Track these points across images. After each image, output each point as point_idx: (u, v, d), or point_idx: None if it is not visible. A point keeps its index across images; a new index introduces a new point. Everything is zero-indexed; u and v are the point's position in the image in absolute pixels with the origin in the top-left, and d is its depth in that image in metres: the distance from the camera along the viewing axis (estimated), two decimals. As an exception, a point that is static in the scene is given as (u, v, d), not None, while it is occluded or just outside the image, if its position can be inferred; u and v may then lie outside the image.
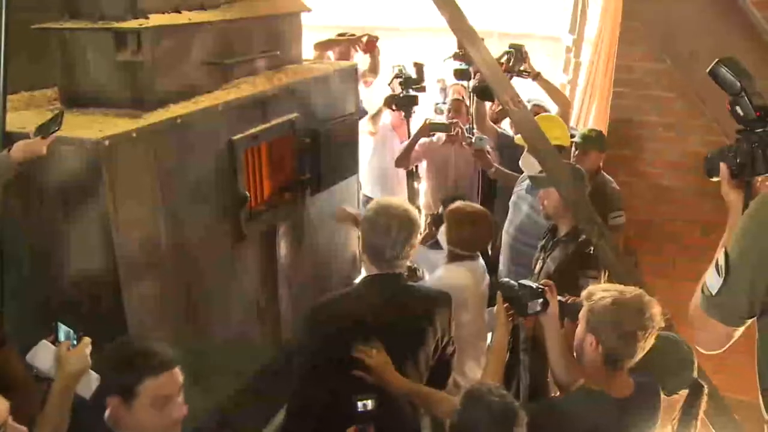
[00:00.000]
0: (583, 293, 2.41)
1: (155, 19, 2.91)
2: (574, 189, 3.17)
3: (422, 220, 5.62)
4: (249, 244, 3.47)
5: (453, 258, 3.52)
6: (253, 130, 3.34)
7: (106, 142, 2.53)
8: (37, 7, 3.10)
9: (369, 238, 2.68)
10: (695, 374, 2.59)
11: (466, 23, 3.26)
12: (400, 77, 5.39)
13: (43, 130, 2.50)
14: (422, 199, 5.73)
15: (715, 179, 2.08)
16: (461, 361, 3.48)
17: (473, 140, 4.78)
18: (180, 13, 3.09)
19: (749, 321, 1.91)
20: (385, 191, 5.78)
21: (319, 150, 3.84)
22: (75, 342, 2.28)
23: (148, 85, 2.94)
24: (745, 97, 1.86)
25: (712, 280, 1.89)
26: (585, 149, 4.32)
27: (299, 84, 3.71)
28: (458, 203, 3.61)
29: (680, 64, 2.54)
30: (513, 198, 4.43)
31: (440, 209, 4.84)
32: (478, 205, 3.69)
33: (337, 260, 4.49)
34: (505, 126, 5.49)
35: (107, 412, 2.13)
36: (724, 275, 1.84)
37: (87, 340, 2.29)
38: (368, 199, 5.82)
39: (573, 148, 4.39)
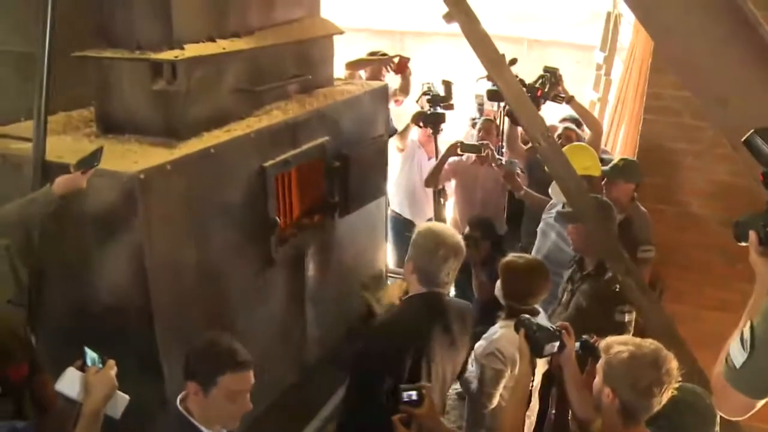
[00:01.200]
0: (602, 344, 2.43)
1: (190, 50, 2.96)
2: (600, 225, 3.17)
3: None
4: (278, 267, 3.51)
5: (511, 313, 3.38)
6: (284, 156, 3.38)
7: (141, 176, 2.58)
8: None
9: (424, 265, 2.87)
10: (717, 429, 2.58)
11: (491, 49, 3.24)
12: (428, 94, 5.41)
13: (83, 165, 2.57)
14: (449, 218, 5.75)
15: (743, 244, 2.08)
16: None
17: (503, 162, 4.78)
18: (215, 41, 3.13)
19: None
20: (412, 208, 5.80)
21: (348, 172, 3.87)
22: (101, 366, 2.36)
23: (182, 114, 2.99)
24: None
25: (736, 352, 1.88)
26: (612, 179, 4.29)
27: (330, 108, 3.75)
28: (510, 256, 3.55)
29: (711, 110, 2.53)
30: (541, 225, 4.42)
31: (466, 229, 4.85)
32: (530, 256, 3.64)
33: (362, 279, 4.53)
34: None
35: (181, 396, 2.37)
36: (749, 349, 1.84)
37: (111, 363, 2.38)
38: (396, 215, 5.86)
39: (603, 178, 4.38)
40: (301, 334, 3.89)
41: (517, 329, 2.76)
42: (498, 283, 3.48)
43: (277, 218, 3.36)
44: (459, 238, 2.96)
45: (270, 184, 3.28)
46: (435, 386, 2.95)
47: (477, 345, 3.39)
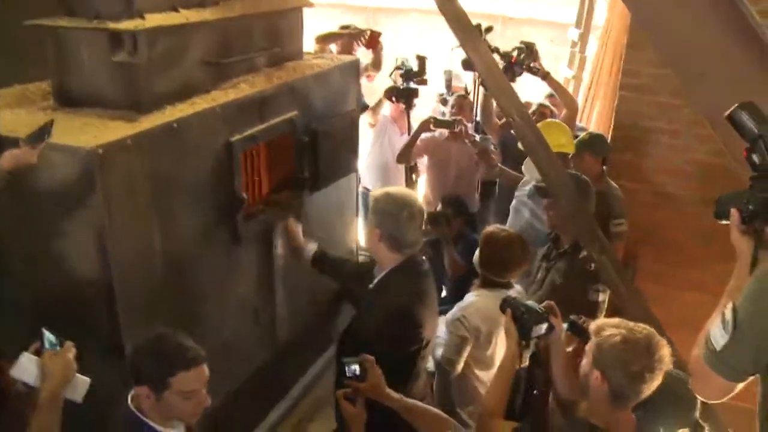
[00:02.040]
0: (592, 326, 2.35)
1: (152, 20, 2.82)
2: (576, 203, 3.11)
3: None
4: (245, 245, 3.42)
5: (485, 284, 3.39)
6: (251, 131, 3.26)
7: (100, 151, 2.46)
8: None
9: (391, 229, 2.85)
10: (697, 414, 2.54)
11: (465, 21, 3.14)
12: (402, 69, 5.32)
13: (33, 140, 2.44)
14: (421, 195, 5.67)
15: (724, 222, 2.03)
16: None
17: (477, 139, 4.71)
18: (178, 11, 3.00)
19: (752, 377, 1.87)
20: (385, 184, 5.70)
21: (318, 148, 3.77)
22: (58, 348, 2.27)
23: (143, 86, 2.86)
24: (762, 145, 1.80)
25: (717, 334, 1.83)
26: (579, 153, 4.26)
27: (299, 82, 3.63)
28: (492, 227, 3.51)
29: (690, 86, 2.47)
30: (514, 203, 4.36)
31: (438, 206, 4.80)
32: (511, 230, 3.58)
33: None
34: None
35: (131, 396, 2.25)
36: (730, 331, 1.78)
37: (69, 345, 2.29)
38: (368, 191, 5.78)
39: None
40: (271, 313, 3.81)
41: (503, 309, 2.65)
42: (477, 251, 3.44)
43: (244, 195, 3.26)
44: (416, 197, 3.02)
45: (236, 160, 3.17)
46: (426, 357, 3.01)
47: (450, 312, 3.36)
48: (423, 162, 5.53)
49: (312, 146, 3.73)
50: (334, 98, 4.03)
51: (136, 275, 2.75)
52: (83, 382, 2.31)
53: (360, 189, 5.57)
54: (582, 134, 4.46)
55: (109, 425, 2.29)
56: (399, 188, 3.11)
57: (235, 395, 3.52)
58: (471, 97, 5.52)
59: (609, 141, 4.51)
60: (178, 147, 2.85)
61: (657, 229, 4.50)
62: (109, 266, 2.60)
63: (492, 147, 4.79)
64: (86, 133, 2.62)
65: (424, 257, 3.05)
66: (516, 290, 3.42)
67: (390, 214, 2.86)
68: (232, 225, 3.26)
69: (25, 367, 2.24)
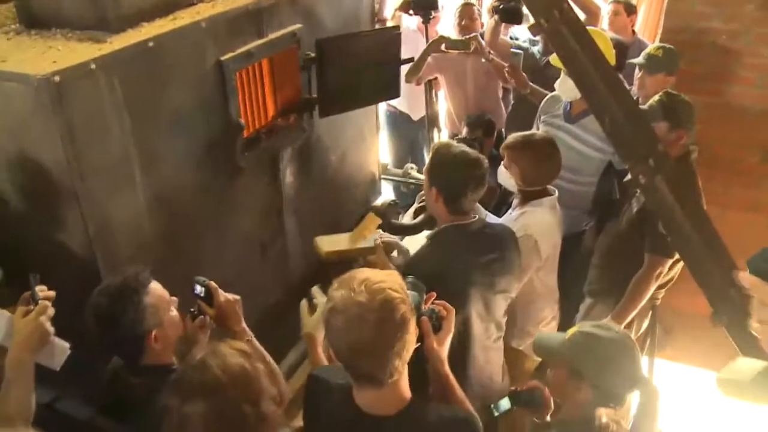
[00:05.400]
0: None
1: None
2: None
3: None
4: (247, 176, 3.12)
5: (527, 198, 3.21)
6: (246, 48, 2.90)
7: (56, 78, 2.11)
8: None
9: (449, 191, 2.72)
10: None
11: None
12: (418, -23, 4.85)
13: None
14: (443, 111, 5.28)
15: None
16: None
17: (493, 58, 4.29)
18: None
19: None
20: (410, 101, 5.33)
21: (327, 66, 3.37)
22: (32, 306, 2.01)
23: (115, 1, 2.48)
24: None
25: None
26: (651, 71, 3.77)
27: (302, -11, 3.23)
28: (514, 135, 3.26)
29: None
30: (542, 127, 3.87)
31: (464, 130, 4.41)
32: (529, 132, 3.34)
33: (353, 184, 4.12)
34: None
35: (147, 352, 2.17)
36: None
37: (44, 304, 2.02)
38: (393, 110, 5.45)
39: (636, 70, 3.87)
40: (281, 249, 3.53)
41: None
42: (501, 169, 3.28)
43: (241, 120, 2.92)
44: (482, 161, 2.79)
45: (230, 82, 2.81)
46: None
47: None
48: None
49: (320, 63, 3.33)
50: (346, 9, 3.63)
51: (117, 217, 2.46)
52: (62, 348, 2.07)
53: (384, 106, 5.24)
54: (651, 49, 3.90)
55: None
56: (464, 147, 2.82)
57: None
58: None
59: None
60: (156, 70, 2.50)
61: (709, 143, 4.04)
62: (82, 210, 2.30)
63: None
64: (47, 58, 2.27)
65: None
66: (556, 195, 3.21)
67: (451, 177, 2.72)
68: (230, 154, 2.94)
69: None
